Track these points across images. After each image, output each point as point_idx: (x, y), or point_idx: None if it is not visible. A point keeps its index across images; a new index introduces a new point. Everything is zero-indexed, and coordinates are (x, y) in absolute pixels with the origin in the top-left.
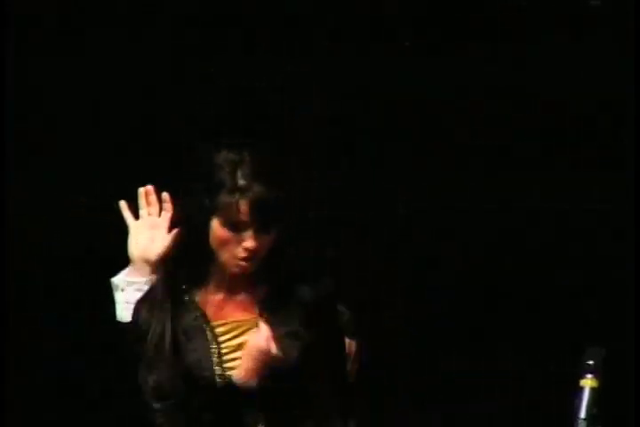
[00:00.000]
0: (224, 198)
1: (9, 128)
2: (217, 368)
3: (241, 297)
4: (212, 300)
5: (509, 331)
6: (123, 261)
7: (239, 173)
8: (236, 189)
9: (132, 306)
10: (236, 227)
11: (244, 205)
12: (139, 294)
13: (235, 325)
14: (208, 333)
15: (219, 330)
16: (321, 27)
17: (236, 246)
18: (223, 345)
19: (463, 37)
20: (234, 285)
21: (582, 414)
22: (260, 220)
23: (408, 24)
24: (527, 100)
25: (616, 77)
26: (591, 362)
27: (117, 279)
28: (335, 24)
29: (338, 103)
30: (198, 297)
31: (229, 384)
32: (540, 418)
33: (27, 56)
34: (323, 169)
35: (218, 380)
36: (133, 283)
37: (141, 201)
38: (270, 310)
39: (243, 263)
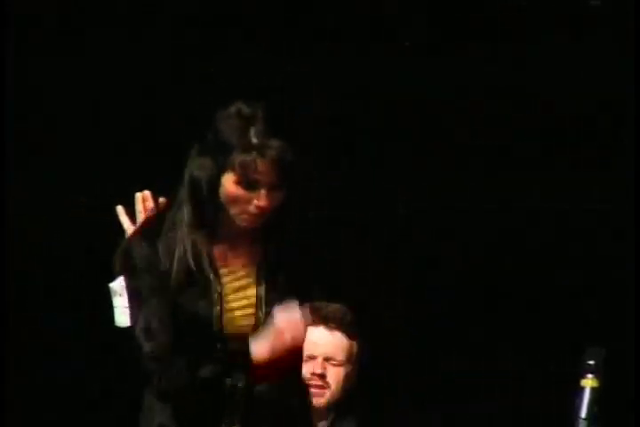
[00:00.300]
0: (240, 156)
1: (9, 128)
2: (217, 308)
3: (244, 248)
4: (216, 245)
5: (509, 331)
6: None
7: (253, 131)
8: (251, 146)
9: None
10: (250, 185)
11: (259, 164)
12: None
13: (236, 269)
14: (211, 273)
15: (222, 271)
16: (321, 27)
17: (247, 203)
18: (226, 286)
19: (463, 37)
20: (239, 235)
21: (583, 414)
22: (274, 178)
23: (408, 24)
24: (527, 100)
25: (616, 77)
26: (592, 362)
27: (115, 285)
28: (335, 24)
29: (338, 103)
30: (205, 240)
31: (223, 327)
32: (540, 418)
33: (27, 56)
34: (323, 169)
35: (215, 321)
36: None
37: (138, 206)
38: (268, 271)
39: (252, 219)
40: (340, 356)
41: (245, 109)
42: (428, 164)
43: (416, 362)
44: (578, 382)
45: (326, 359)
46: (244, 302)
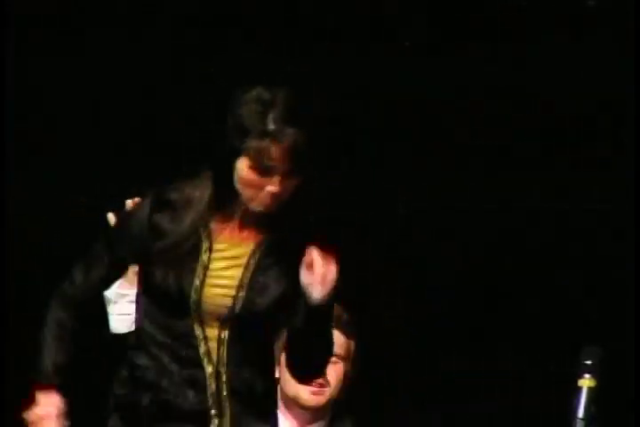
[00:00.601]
0: (255, 142)
1: (9, 128)
2: (197, 280)
3: (247, 232)
4: (220, 224)
5: (509, 331)
6: None
7: (271, 116)
8: (267, 133)
9: (126, 317)
10: (263, 171)
11: (275, 150)
12: (131, 306)
13: (234, 246)
14: (204, 246)
15: (216, 246)
16: (321, 27)
17: (260, 189)
18: (215, 262)
19: (463, 37)
20: (247, 219)
21: (580, 414)
22: (288, 165)
23: (408, 24)
24: (527, 100)
25: (616, 77)
26: (589, 362)
27: (109, 293)
28: (335, 24)
29: (338, 103)
30: (213, 217)
31: (200, 300)
32: (540, 418)
33: (27, 56)
34: (323, 169)
35: (194, 294)
36: (125, 295)
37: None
38: (261, 256)
39: (264, 204)
40: (340, 353)
41: (265, 94)
42: (428, 164)
43: (416, 362)
44: (576, 381)
45: None
46: (227, 281)
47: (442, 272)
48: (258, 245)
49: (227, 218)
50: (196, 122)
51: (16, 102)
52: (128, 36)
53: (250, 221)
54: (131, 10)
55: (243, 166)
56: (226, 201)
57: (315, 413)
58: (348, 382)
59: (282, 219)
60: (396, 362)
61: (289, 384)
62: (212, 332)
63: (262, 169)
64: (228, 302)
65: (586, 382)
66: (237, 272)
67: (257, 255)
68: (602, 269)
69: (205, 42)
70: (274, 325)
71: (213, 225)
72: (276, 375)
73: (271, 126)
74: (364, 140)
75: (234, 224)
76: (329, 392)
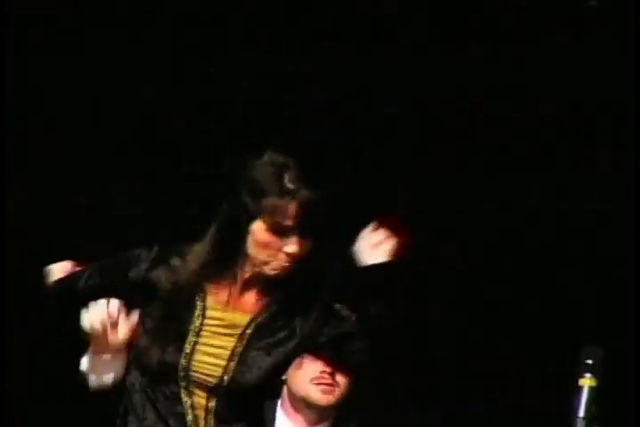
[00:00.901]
0: (273, 201)
1: (9, 128)
2: (187, 345)
3: (248, 296)
4: (217, 288)
5: (509, 331)
6: None
7: (287, 177)
8: (285, 192)
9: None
10: (281, 231)
11: (292, 209)
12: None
13: (230, 315)
14: (197, 310)
15: (212, 313)
16: (321, 27)
17: (277, 251)
18: (210, 327)
19: (463, 37)
20: (248, 282)
21: (581, 413)
22: (306, 224)
23: (408, 24)
24: (527, 100)
25: (616, 77)
26: (589, 361)
27: (84, 361)
28: (335, 24)
29: (338, 103)
30: (208, 280)
31: (189, 367)
32: (540, 418)
33: (27, 56)
34: (322, 169)
35: (183, 359)
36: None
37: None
38: (272, 316)
39: (280, 267)
40: None
41: (278, 158)
42: (428, 164)
43: (416, 362)
44: (576, 381)
45: None
46: (219, 350)
47: (442, 272)
48: (257, 314)
49: (225, 282)
50: (196, 122)
51: (16, 102)
52: (128, 36)
53: (251, 285)
54: (131, 10)
55: (259, 228)
56: (228, 264)
57: (322, 413)
58: (352, 383)
59: (291, 281)
60: (396, 362)
61: (298, 384)
62: (200, 401)
63: (280, 229)
64: (218, 372)
65: (587, 381)
66: (230, 342)
67: (254, 325)
68: (602, 269)
69: (205, 42)
70: (263, 394)
71: (209, 288)
72: (283, 377)
73: (289, 185)
74: (363, 140)
75: (233, 289)
76: (339, 392)
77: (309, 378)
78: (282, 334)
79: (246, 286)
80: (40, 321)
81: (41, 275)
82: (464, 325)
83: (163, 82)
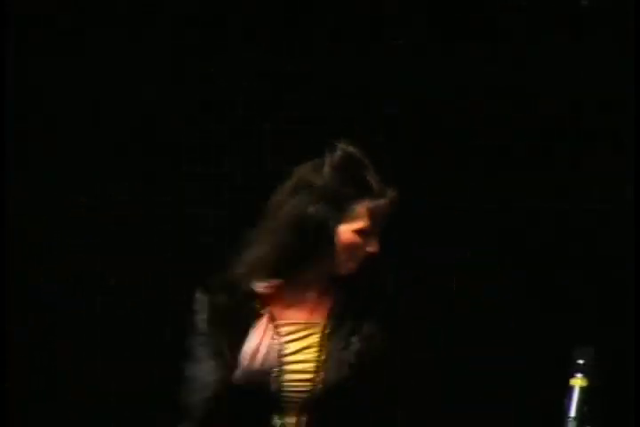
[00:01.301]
0: (369, 203)
1: (9, 128)
2: (276, 369)
3: (312, 299)
4: (280, 299)
5: (509, 331)
6: (122, 260)
7: (371, 178)
8: (378, 194)
9: None
10: (370, 231)
11: (385, 210)
12: None
13: (302, 326)
14: (270, 331)
15: (284, 329)
16: (321, 27)
17: (359, 250)
18: (287, 345)
19: (463, 37)
20: (310, 287)
21: (572, 413)
22: (384, 224)
23: (408, 24)
24: (527, 100)
25: (616, 77)
26: (581, 361)
27: None
28: (335, 24)
29: (338, 103)
30: (266, 297)
31: (280, 389)
32: (540, 418)
33: (27, 56)
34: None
35: (273, 383)
36: None
37: None
38: (341, 317)
39: (355, 265)
40: None
41: (355, 155)
42: (428, 164)
43: (415, 361)
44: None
45: None
46: (303, 365)
47: (442, 272)
48: (327, 318)
49: (288, 296)
50: (196, 122)
51: (16, 102)
52: (128, 36)
53: (315, 292)
54: (131, 10)
55: (346, 230)
56: (294, 275)
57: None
58: None
59: (357, 280)
60: (394, 362)
61: None
62: (291, 419)
63: (370, 230)
64: (308, 386)
65: (578, 381)
66: (312, 354)
67: (328, 329)
68: (602, 269)
69: (205, 42)
70: (353, 401)
71: (275, 309)
72: None
73: (376, 187)
74: (363, 140)
75: (297, 301)
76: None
77: None
78: (351, 337)
79: (310, 288)
80: (40, 321)
81: (41, 275)
82: (464, 325)
83: (163, 82)
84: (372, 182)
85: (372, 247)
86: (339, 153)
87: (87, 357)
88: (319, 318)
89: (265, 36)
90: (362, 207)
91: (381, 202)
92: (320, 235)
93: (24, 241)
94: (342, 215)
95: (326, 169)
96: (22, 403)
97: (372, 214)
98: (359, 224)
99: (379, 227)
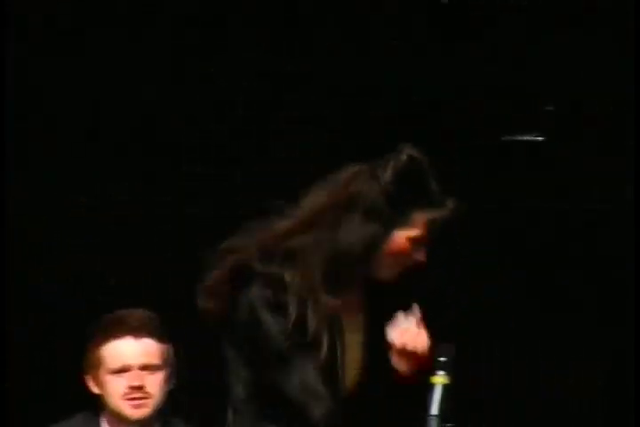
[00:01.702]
0: (430, 213)
1: (9, 128)
2: (340, 371)
3: (349, 303)
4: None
5: (509, 331)
6: (122, 260)
7: (432, 186)
8: (438, 204)
9: None
10: (422, 240)
11: (439, 221)
12: None
13: (347, 325)
14: (337, 331)
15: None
16: (321, 27)
17: (407, 258)
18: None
19: (463, 37)
20: (351, 290)
21: (434, 411)
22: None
23: (408, 24)
24: (527, 100)
25: (616, 77)
26: (442, 359)
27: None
28: (335, 24)
29: (338, 103)
30: (332, 299)
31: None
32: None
33: (27, 56)
34: (323, 169)
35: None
36: None
37: None
38: (375, 315)
39: (399, 273)
40: (156, 362)
41: (419, 160)
42: (429, 164)
43: None
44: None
45: (142, 368)
46: (354, 361)
47: (442, 272)
48: (364, 317)
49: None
50: (196, 122)
51: (16, 102)
52: (128, 36)
53: (354, 292)
54: (131, 10)
55: (400, 237)
56: (343, 278)
57: (143, 424)
58: (170, 385)
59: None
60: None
61: (110, 401)
62: None
63: (422, 239)
64: (356, 378)
65: (439, 379)
66: (358, 353)
67: (366, 328)
68: (602, 269)
69: (205, 42)
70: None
71: (337, 312)
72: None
73: (437, 196)
74: (363, 140)
75: (342, 300)
76: (152, 402)
77: (119, 395)
78: (384, 323)
79: (351, 291)
80: (40, 321)
81: (41, 275)
82: (464, 325)
83: (163, 82)
84: (434, 190)
85: (420, 256)
86: (403, 157)
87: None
88: (357, 317)
89: (265, 36)
90: (420, 215)
91: (441, 212)
92: (374, 243)
93: (24, 241)
94: (398, 221)
95: (389, 173)
96: (22, 403)
97: (430, 224)
98: (415, 232)
99: (431, 237)
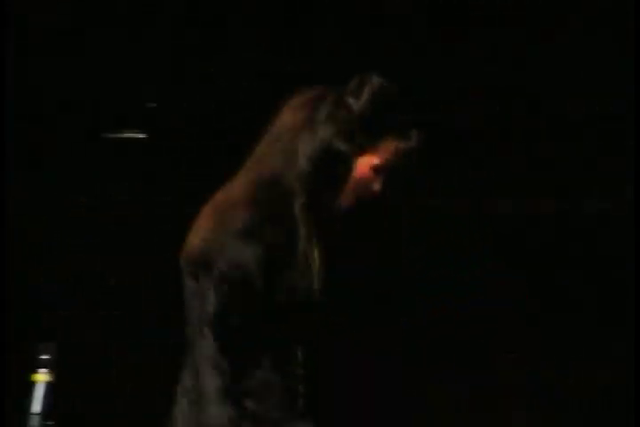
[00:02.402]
0: (397, 142)
1: (9, 128)
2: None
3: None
4: None
5: (509, 331)
6: (122, 260)
7: (400, 116)
8: (407, 134)
9: None
10: (384, 169)
11: (404, 151)
12: None
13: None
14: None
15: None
16: (321, 27)
17: (365, 187)
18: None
19: (463, 37)
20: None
21: (37, 409)
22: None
23: (408, 24)
24: (527, 100)
25: (616, 77)
26: (46, 356)
27: None
28: (335, 24)
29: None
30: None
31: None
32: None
33: (27, 56)
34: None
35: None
36: None
37: None
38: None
39: (354, 202)
40: None
41: (389, 89)
42: (428, 164)
43: (409, 359)
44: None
45: None
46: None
47: (442, 272)
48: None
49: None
50: (196, 122)
51: (16, 102)
52: (128, 36)
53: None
54: (131, 10)
55: (365, 163)
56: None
57: None
58: None
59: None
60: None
61: None
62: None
63: (384, 168)
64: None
65: (41, 376)
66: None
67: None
68: (602, 269)
69: (205, 42)
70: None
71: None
72: None
73: (405, 126)
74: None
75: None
76: None
77: None
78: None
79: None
80: (40, 321)
81: (41, 275)
82: (463, 325)
83: (163, 82)
84: (401, 120)
85: (377, 186)
86: (378, 82)
87: (87, 356)
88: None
89: (265, 36)
90: (387, 143)
91: (408, 142)
92: (340, 167)
93: (24, 241)
94: (365, 147)
95: (365, 96)
96: (22, 403)
97: (395, 153)
98: (378, 160)
99: (392, 168)
